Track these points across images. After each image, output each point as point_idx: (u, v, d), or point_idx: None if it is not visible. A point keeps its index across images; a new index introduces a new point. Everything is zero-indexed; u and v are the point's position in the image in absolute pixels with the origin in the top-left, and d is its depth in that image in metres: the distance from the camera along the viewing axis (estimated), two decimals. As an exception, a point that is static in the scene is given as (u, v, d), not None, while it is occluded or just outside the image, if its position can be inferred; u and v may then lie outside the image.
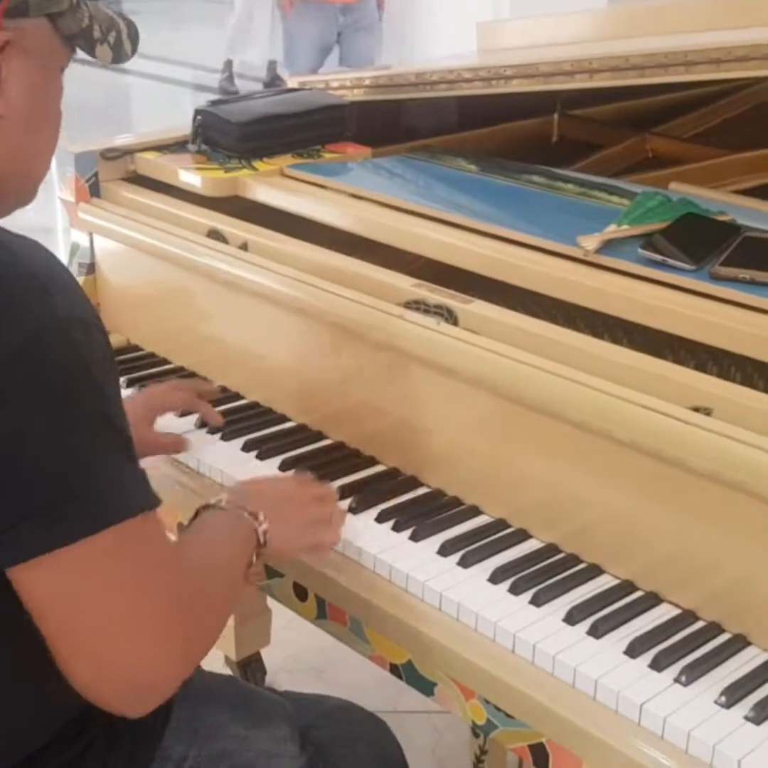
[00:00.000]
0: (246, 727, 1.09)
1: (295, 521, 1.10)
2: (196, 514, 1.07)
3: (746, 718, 0.93)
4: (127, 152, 1.62)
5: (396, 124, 1.83)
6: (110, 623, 0.83)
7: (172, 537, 1.35)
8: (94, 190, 1.61)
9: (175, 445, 1.32)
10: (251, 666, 1.96)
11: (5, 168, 0.93)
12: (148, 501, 0.86)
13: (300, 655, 2.11)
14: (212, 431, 1.36)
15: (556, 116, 1.94)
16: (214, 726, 1.07)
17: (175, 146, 1.64)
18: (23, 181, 0.97)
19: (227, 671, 1.91)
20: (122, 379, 1.49)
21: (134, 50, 1.03)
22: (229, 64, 7.09)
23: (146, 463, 1.09)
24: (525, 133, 1.92)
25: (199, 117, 1.62)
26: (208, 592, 0.94)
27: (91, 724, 0.98)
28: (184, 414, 1.38)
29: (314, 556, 1.14)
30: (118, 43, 1.01)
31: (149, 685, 0.86)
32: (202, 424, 1.37)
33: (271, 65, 6.79)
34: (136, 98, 7.25)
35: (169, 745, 1.03)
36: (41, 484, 0.80)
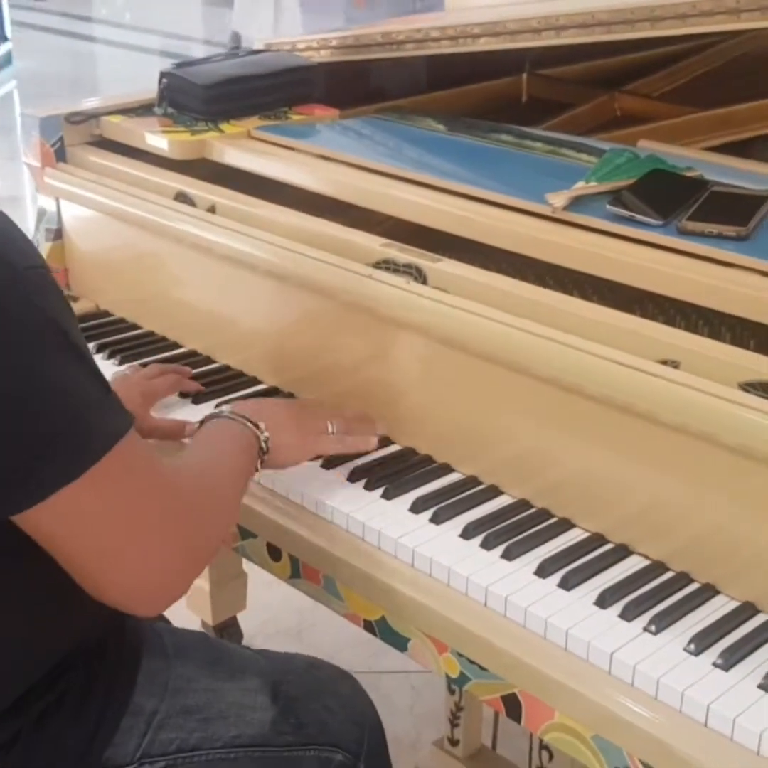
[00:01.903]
0: (217, 680, 1.10)
1: (296, 431, 1.15)
2: (201, 423, 1.13)
3: (715, 664, 0.94)
4: (93, 116, 1.60)
5: (364, 85, 1.82)
6: (118, 536, 0.89)
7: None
8: (59, 154, 1.59)
9: (180, 430, 1.30)
10: (228, 630, 1.97)
11: None
12: (128, 419, 0.90)
13: (277, 618, 2.12)
14: (184, 395, 1.36)
15: (525, 76, 1.94)
16: (184, 680, 1.09)
17: (141, 109, 1.62)
18: None
19: (198, 629, 1.92)
20: (94, 345, 1.48)
21: None
22: (236, 36, 6.96)
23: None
24: (494, 93, 1.91)
25: (164, 80, 1.61)
26: (208, 494, 1.00)
27: (63, 679, 1.00)
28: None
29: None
30: None
31: (160, 585, 0.93)
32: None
33: (235, 36, 6.69)
34: (103, 66, 7.17)
35: (140, 700, 1.04)
36: (33, 429, 0.82)
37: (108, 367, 1.43)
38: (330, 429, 1.19)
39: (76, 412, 0.84)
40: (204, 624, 1.95)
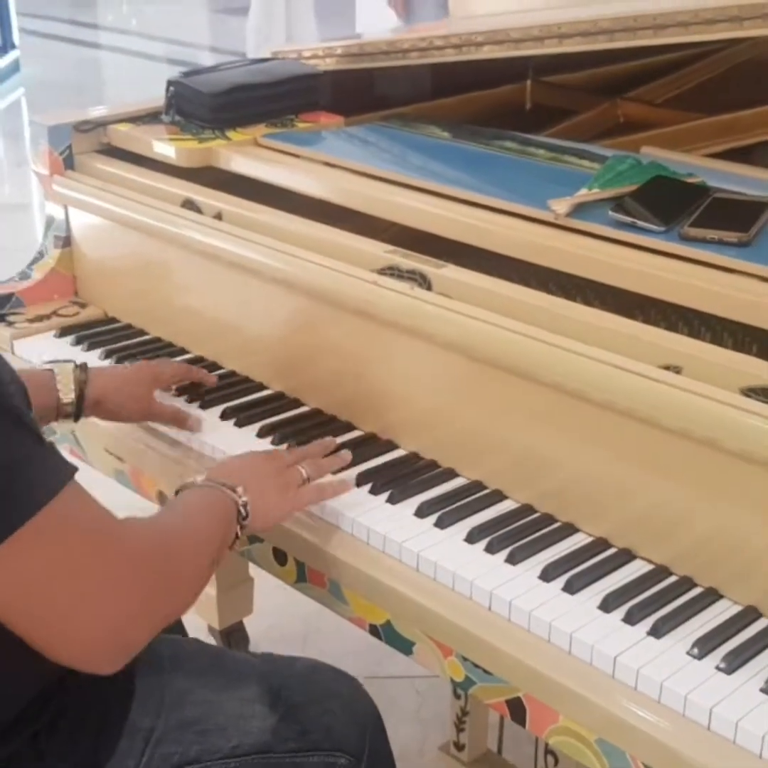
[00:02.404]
0: (213, 691, 1.09)
1: (273, 489, 1.12)
2: (177, 492, 1.09)
3: (717, 668, 0.95)
4: (101, 124, 1.62)
5: (369, 93, 1.83)
6: (60, 595, 0.85)
7: (152, 504, 1.37)
8: (68, 162, 1.61)
9: (184, 420, 1.32)
10: (234, 635, 1.97)
11: None
12: (68, 471, 0.87)
13: (282, 623, 2.13)
14: (191, 400, 1.37)
15: (528, 83, 1.95)
16: (180, 693, 1.07)
17: (149, 118, 1.64)
18: None
19: (211, 640, 1.93)
20: (101, 350, 1.49)
21: None
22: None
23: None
24: (498, 101, 1.92)
25: (172, 88, 1.62)
26: (169, 557, 0.96)
27: (54, 702, 0.99)
28: (180, 393, 1.39)
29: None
30: None
31: (108, 643, 0.89)
32: (180, 392, 1.39)
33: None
34: (109, 73, 7.19)
35: (136, 718, 1.03)
36: None
37: (116, 374, 1.44)
38: (304, 474, 1.16)
39: (7, 468, 0.81)
40: (210, 628, 1.96)
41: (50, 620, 0.86)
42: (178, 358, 1.48)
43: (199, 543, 1.02)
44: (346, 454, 1.22)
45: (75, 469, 0.88)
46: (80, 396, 1.25)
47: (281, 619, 2.12)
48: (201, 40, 8.71)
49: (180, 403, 1.37)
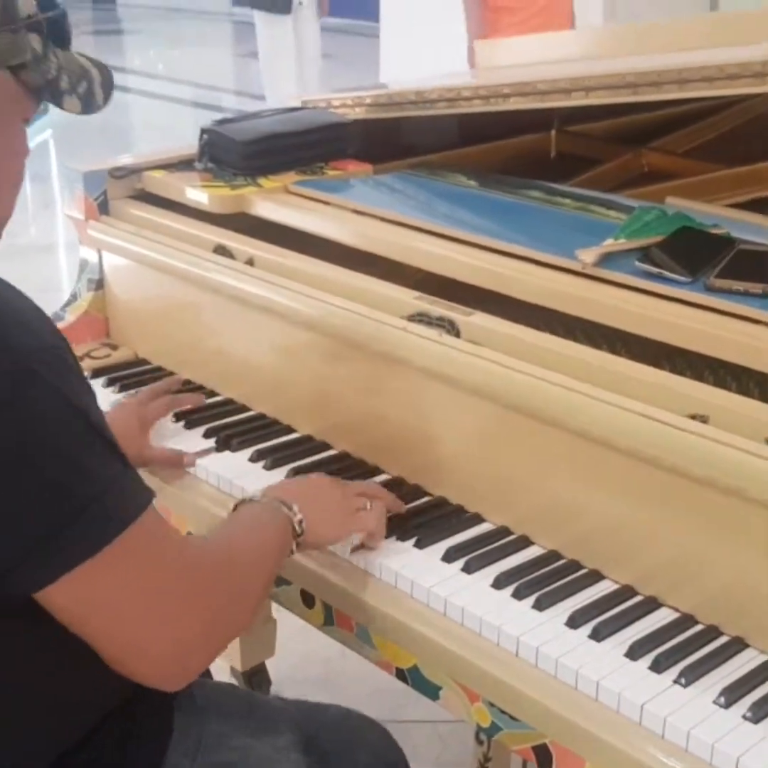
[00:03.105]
0: (248, 736, 1.11)
1: (330, 512, 1.15)
2: (235, 507, 1.13)
3: (744, 717, 0.95)
4: (135, 171, 1.65)
5: (396, 141, 1.86)
6: (136, 612, 0.89)
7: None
8: (102, 207, 1.64)
9: (178, 460, 1.35)
10: (257, 676, 1.97)
11: None
12: (147, 495, 0.91)
13: (304, 665, 2.13)
14: (221, 444, 1.39)
15: (553, 132, 1.98)
16: (216, 736, 1.09)
17: (182, 164, 1.67)
18: None
19: (233, 681, 1.93)
20: (133, 392, 1.51)
21: (107, 99, 1.02)
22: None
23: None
24: (523, 149, 1.95)
25: (205, 136, 1.65)
26: (231, 574, 0.99)
27: (95, 740, 1.00)
28: (178, 418, 1.42)
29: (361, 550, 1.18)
30: (88, 94, 1.00)
31: (179, 660, 0.93)
32: (210, 434, 1.40)
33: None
34: (137, 115, 7.31)
35: (173, 758, 1.05)
36: (53, 508, 0.84)
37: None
38: (366, 504, 1.18)
39: (96, 490, 0.86)
40: (233, 670, 1.96)
41: (123, 636, 0.90)
42: (209, 400, 1.50)
43: (259, 560, 1.05)
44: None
45: (153, 492, 0.92)
46: None
47: (303, 661, 2.12)
48: (225, 84, 8.85)
49: (206, 444, 1.38)
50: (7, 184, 0.97)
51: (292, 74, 5.56)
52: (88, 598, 0.87)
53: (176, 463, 1.34)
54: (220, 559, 1.00)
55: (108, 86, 1.02)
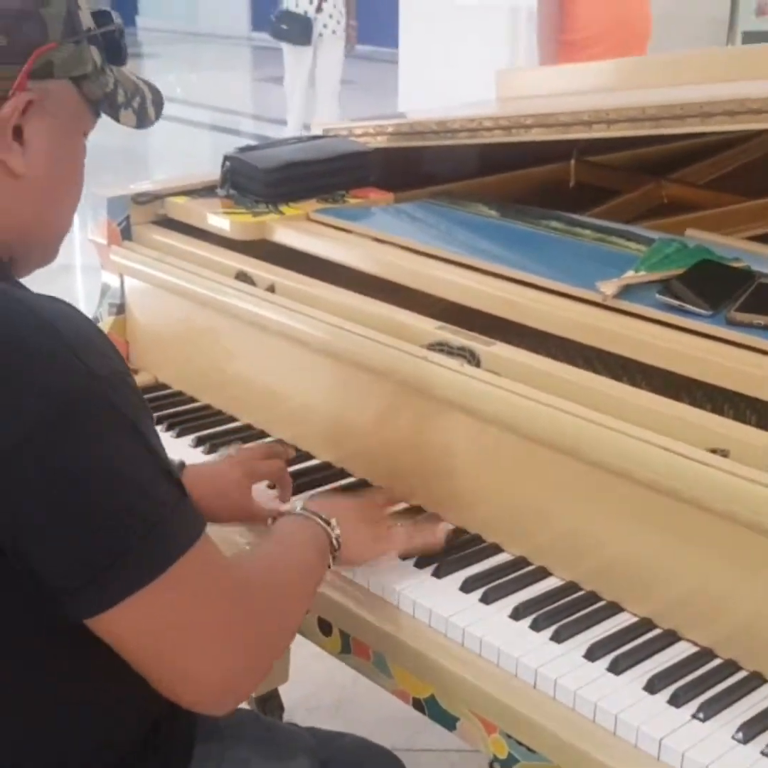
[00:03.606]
0: (268, 761, 1.11)
1: (366, 528, 1.16)
2: (274, 520, 1.14)
3: (763, 753, 0.95)
4: (158, 197, 1.66)
5: (417, 170, 1.87)
6: (189, 638, 0.89)
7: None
8: (125, 233, 1.65)
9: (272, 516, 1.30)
10: (269, 703, 1.97)
11: (28, 228, 0.95)
12: (201, 522, 0.91)
13: (317, 692, 2.12)
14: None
15: (573, 162, 1.99)
16: (237, 762, 1.09)
17: (204, 191, 1.68)
18: (47, 238, 0.99)
19: (246, 707, 1.93)
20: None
21: (158, 116, 1.04)
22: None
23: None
24: (543, 179, 1.96)
25: (227, 163, 1.67)
26: (277, 593, 1.00)
27: (118, 765, 1.00)
28: (198, 442, 1.43)
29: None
30: (142, 109, 1.02)
31: (230, 684, 0.93)
32: None
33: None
34: (156, 139, 7.36)
35: None
36: (110, 534, 0.84)
37: (166, 440, 1.46)
38: (397, 525, 1.19)
39: (153, 517, 0.86)
40: (246, 695, 1.96)
41: (174, 663, 0.90)
42: (227, 426, 1.51)
43: (301, 580, 1.06)
44: (442, 532, 1.23)
45: (205, 521, 0.92)
46: None
47: (316, 687, 2.11)
48: (244, 108, 8.92)
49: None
50: (71, 198, 1.00)
51: (310, 101, 5.65)
52: (140, 626, 0.87)
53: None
54: (267, 582, 0.99)
55: (159, 104, 1.05)
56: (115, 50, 1.00)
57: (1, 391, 0.82)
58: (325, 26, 5.43)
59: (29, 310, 0.86)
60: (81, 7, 0.95)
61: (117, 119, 1.01)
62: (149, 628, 0.87)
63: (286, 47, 5.58)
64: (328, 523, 1.11)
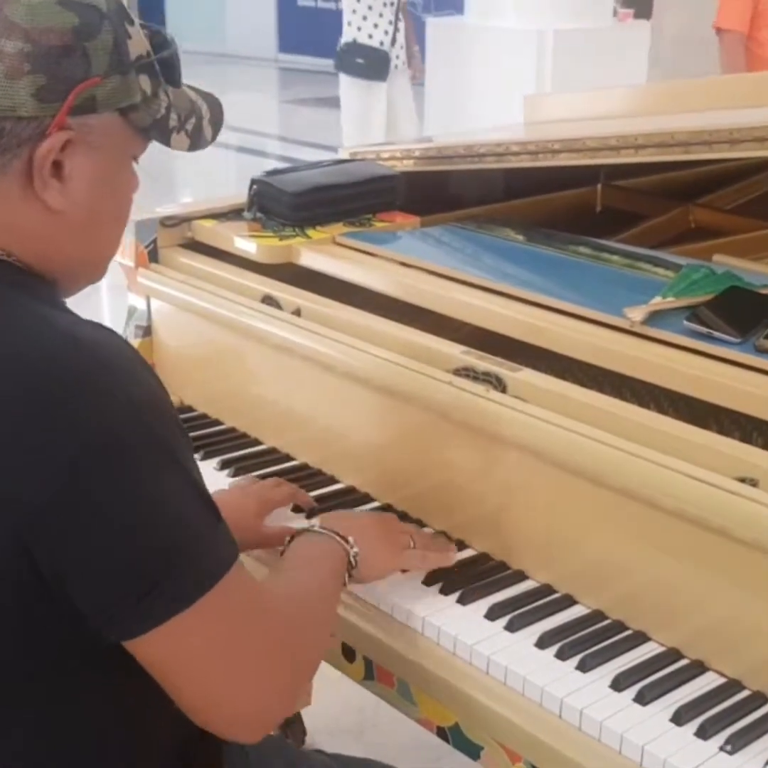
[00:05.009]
0: None
1: (382, 546, 1.16)
2: (291, 538, 1.13)
3: (792, 788, 0.94)
4: (185, 220, 1.67)
5: (444, 194, 1.88)
6: (223, 664, 0.89)
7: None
8: (152, 255, 1.66)
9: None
10: (292, 727, 1.96)
11: (74, 256, 0.95)
12: (235, 549, 0.91)
13: (339, 717, 2.11)
14: (298, 510, 1.36)
15: (599, 186, 1.99)
16: None
17: (231, 214, 1.69)
18: (93, 264, 0.99)
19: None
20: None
21: (215, 135, 1.02)
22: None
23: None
24: (569, 203, 1.96)
25: (254, 186, 1.68)
26: (304, 615, 1.00)
27: None
28: (223, 466, 1.43)
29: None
30: (196, 130, 0.99)
31: (263, 711, 0.93)
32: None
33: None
34: (182, 160, 7.42)
35: None
36: (148, 559, 0.84)
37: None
38: (411, 544, 1.19)
39: (190, 542, 0.86)
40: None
41: (207, 690, 0.89)
42: (252, 449, 1.51)
43: (325, 596, 1.06)
44: (453, 552, 1.24)
45: (239, 547, 0.92)
46: None
47: (338, 712, 2.11)
48: (270, 130, 8.96)
49: (287, 512, 1.35)
50: (119, 222, 0.99)
51: (383, 136, 5.42)
52: (175, 651, 0.87)
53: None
54: (296, 610, 0.99)
55: (217, 122, 1.02)
56: (171, 74, 0.97)
57: (44, 424, 0.82)
58: (397, 57, 5.07)
59: (70, 338, 0.86)
60: (131, 36, 0.91)
61: (168, 144, 0.98)
62: (182, 653, 0.87)
63: (350, 80, 5.14)
64: (346, 541, 1.11)
